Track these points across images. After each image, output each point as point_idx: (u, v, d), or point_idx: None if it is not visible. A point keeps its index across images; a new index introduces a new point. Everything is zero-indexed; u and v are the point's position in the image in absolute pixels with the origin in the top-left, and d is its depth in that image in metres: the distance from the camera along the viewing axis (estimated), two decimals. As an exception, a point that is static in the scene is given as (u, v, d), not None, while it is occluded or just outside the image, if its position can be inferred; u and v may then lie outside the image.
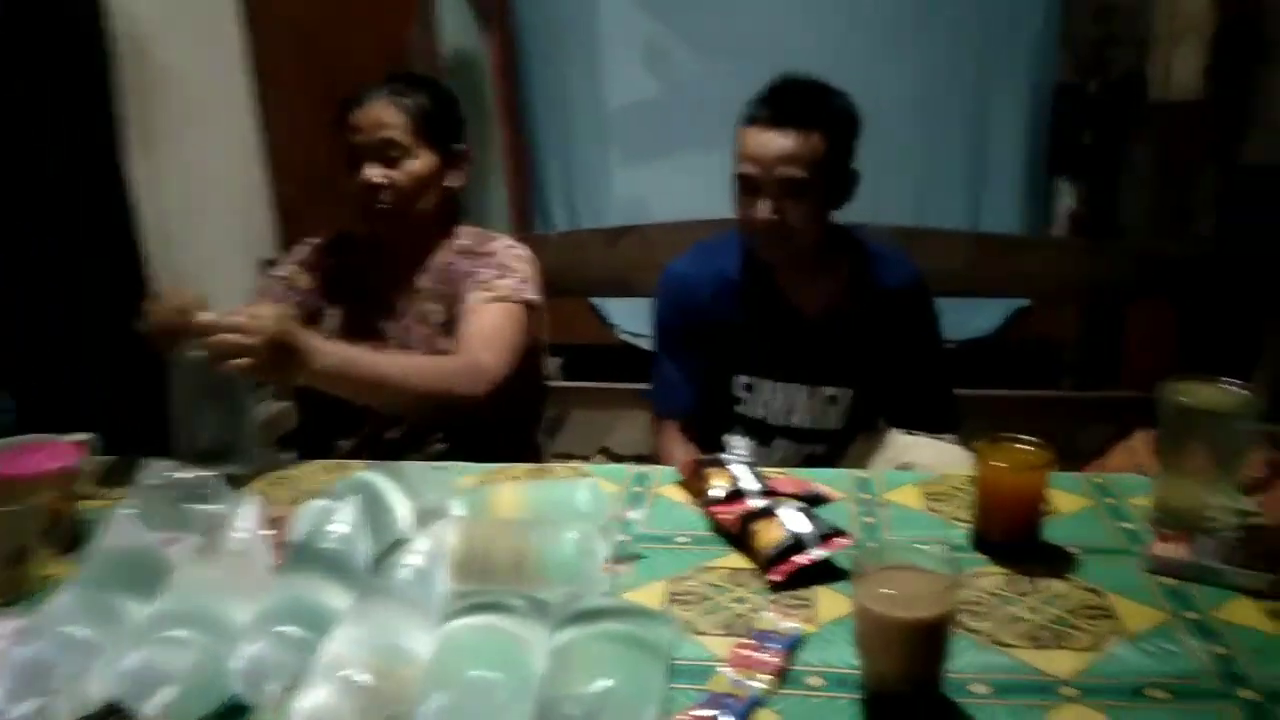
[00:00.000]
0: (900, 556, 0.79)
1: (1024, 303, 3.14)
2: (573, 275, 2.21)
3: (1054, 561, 0.96)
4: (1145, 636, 0.84)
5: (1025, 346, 3.19)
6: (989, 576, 0.94)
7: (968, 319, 3.12)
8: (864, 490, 1.14)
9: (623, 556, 0.99)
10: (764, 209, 1.41)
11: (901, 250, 1.64)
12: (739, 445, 1.58)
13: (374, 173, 1.41)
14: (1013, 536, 0.98)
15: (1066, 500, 1.09)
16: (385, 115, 1.41)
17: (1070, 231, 3.11)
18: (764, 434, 1.58)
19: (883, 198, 2.74)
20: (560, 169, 3.31)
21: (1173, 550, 0.94)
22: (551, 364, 3.15)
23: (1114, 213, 3.04)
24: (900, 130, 3.04)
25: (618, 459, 2.65)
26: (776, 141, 1.39)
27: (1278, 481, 1.62)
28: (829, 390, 1.56)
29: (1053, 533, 1.01)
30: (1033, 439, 0.98)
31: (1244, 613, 0.87)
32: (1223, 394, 0.97)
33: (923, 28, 3.01)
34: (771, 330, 1.54)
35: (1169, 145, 2.63)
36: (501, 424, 1.46)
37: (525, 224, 3.36)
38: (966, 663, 0.81)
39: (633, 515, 1.08)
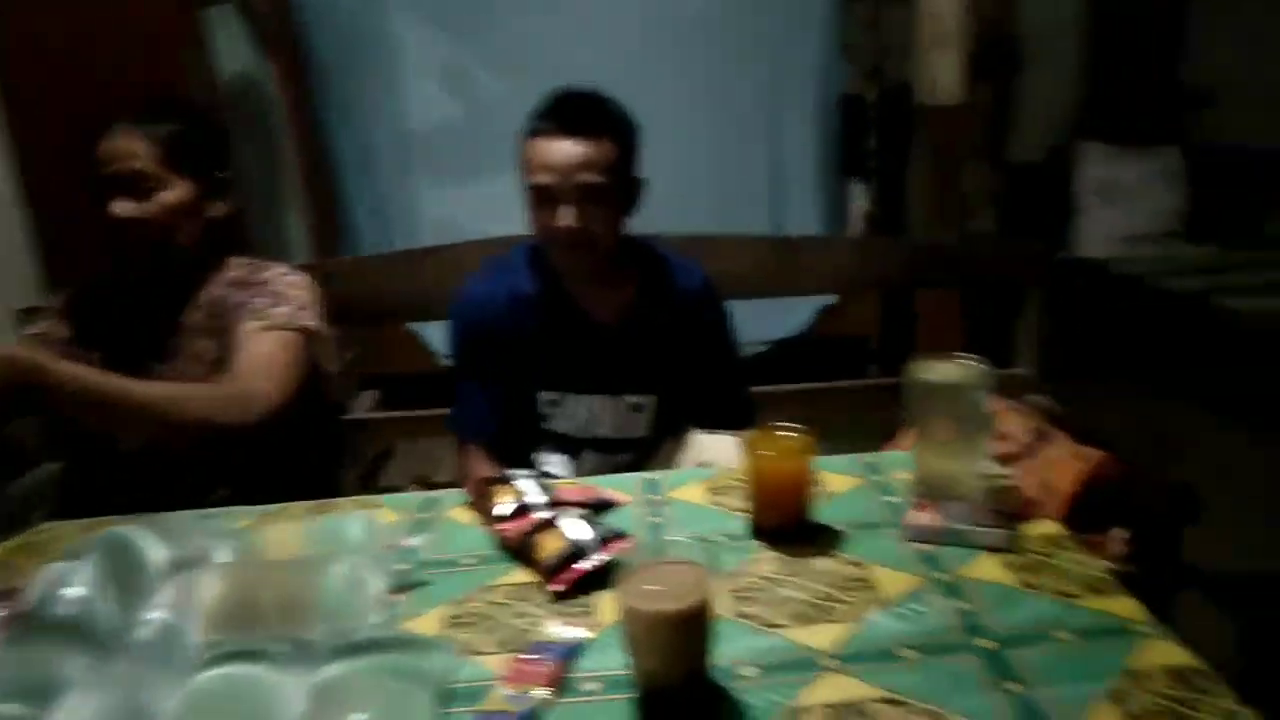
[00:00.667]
0: (664, 553, 0.80)
1: (832, 300, 3.31)
2: (376, 301, 2.14)
3: (823, 540, 1.01)
4: (899, 601, 0.89)
5: (836, 341, 3.37)
6: (765, 562, 0.98)
7: (781, 319, 3.26)
8: (651, 491, 1.16)
9: (402, 585, 0.96)
10: (566, 216, 1.41)
11: (689, 257, 1.68)
12: (554, 462, 1.58)
13: (123, 207, 1.32)
14: (785, 520, 1.02)
15: (838, 481, 1.15)
16: (132, 145, 1.33)
17: (865, 230, 3.31)
18: (572, 448, 1.58)
19: (687, 207, 2.83)
20: (364, 193, 3.22)
21: (926, 518, 1.00)
22: (369, 397, 3.07)
23: (902, 210, 3.26)
24: (699, 142, 3.16)
25: (435, 487, 2.59)
26: (571, 149, 1.40)
27: (1038, 447, 1.78)
28: (632, 399, 1.57)
29: (824, 513, 1.06)
30: (797, 426, 1.02)
31: (987, 569, 0.94)
32: (959, 369, 1.05)
33: (714, 45, 3.13)
34: (569, 342, 1.55)
35: (938, 146, 2.84)
36: (292, 463, 1.39)
37: (329, 250, 3.25)
38: (737, 648, 0.83)
39: (414, 542, 1.05)
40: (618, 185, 1.45)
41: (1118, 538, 1.62)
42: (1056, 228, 3.63)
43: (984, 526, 0.98)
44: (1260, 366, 2.37)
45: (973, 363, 1.05)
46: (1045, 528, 1.01)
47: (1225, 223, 3.43)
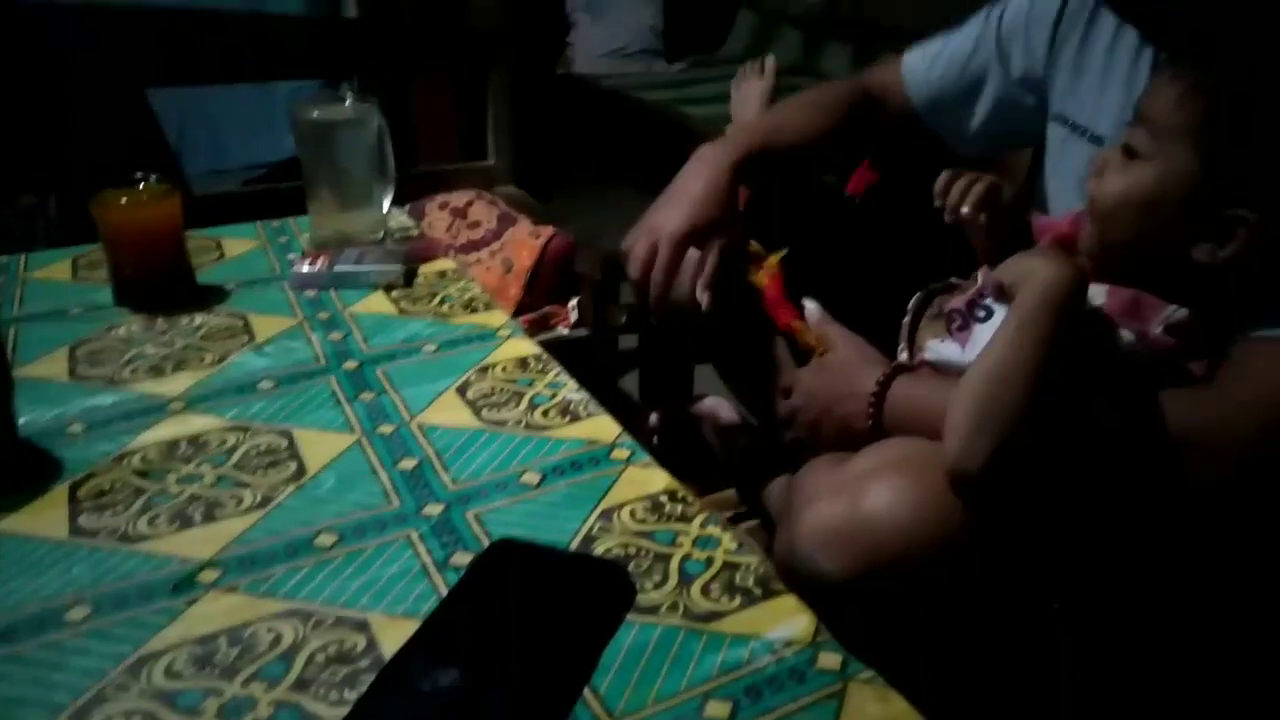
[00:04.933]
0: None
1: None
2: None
3: (203, 299, 0.92)
4: (270, 342, 0.84)
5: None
6: (124, 325, 0.87)
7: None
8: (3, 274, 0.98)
9: None
10: None
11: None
12: None
13: None
14: (152, 278, 0.90)
15: (236, 245, 1.06)
16: None
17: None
18: None
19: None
20: None
21: (317, 265, 0.96)
22: None
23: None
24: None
25: None
26: None
27: (503, 230, 1.84)
28: None
29: (212, 274, 0.97)
30: (150, 175, 0.90)
31: (375, 304, 0.92)
32: (346, 109, 1.00)
33: None
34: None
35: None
36: None
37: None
38: (66, 409, 0.73)
39: None
40: None
41: (572, 306, 1.77)
42: (557, 43, 3.75)
43: (374, 266, 0.96)
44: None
45: (359, 101, 1.00)
46: (441, 265, 1.01)
47: (693, 42, 3.81)
